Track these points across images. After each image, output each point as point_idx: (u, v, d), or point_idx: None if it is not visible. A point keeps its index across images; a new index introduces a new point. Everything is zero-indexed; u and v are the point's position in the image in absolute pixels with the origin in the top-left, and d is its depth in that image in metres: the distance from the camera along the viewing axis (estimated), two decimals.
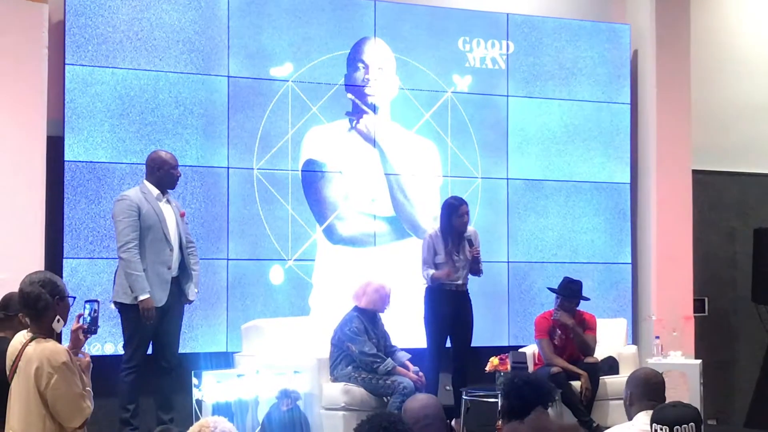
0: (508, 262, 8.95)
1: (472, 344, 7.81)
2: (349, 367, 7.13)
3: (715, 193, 9.96)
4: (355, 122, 8.57)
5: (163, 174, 6.79)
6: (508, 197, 9.02)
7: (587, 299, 7.93)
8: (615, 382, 7.60)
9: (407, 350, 7.53)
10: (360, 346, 7.11)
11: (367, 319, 7.27)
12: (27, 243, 7.11)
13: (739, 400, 9.96)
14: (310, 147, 8.39)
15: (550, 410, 6.84)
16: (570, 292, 7.83)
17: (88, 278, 7.56)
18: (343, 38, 8.55)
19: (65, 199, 7.56)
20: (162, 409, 6.69)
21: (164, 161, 6.82)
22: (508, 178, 9.02)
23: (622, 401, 4.78)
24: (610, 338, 8.23)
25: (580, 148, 9.26)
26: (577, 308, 7.88)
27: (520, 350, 7.80)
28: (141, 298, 6.52)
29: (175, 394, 6.83)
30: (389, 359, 7.13)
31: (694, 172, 9.54)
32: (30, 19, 7.39)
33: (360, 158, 8.56)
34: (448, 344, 7.67)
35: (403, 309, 8.15)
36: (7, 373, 4.50)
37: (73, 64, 7.64)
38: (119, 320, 6.81)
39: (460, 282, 7.61)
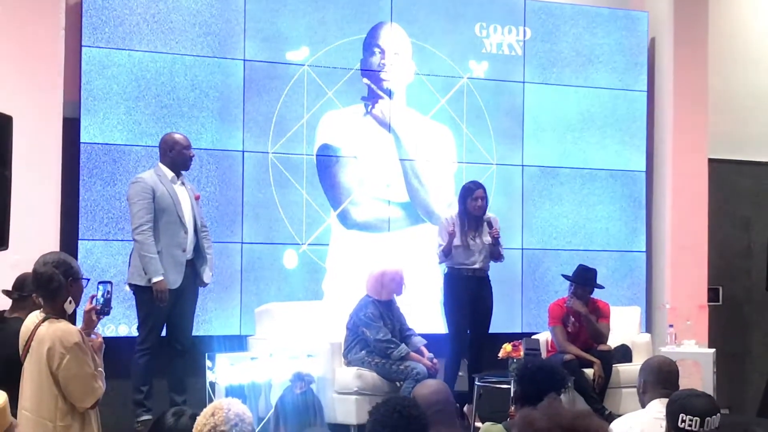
0: (522, 249, 8.94)
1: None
2: (363, 352, 7.15)
3: (731, 182, 9.92)
4: (370, 107, 8.55)
5: (175, 155, 6.80)
6: (523, 184, 8.99)
7: (601, 287, 7.92)
8: (628, 370, 7.59)
9: (423, 336, 7.53)
10: (374, 332, 7.12)
11: (382, 305, 7.27)
12: (43, 224, 7.14)
13: (752, 389, 9.93)
14: (325, 131, 8.38)
15: (563, 396, 6.85)
16: (584, 279, 7.82)
17: (103, 260, 7.58)
18: (359, 23, 8.53)
19: (81, 181, 7.57)
20: (175, 391, 6.72)
21: (176, 142, 6.83)
22: (523, 165, 8.99)
23: (634, 389, 4.77)
24: (624, 326, 8.22)
25: (596, 136, 9.23)
26: (591, 296, 7.87)
27: (533, 337, 7.79)
28: (155, 280, 6.54)
29: (188, 376, 6.85)
30: (403, 345, 7.14)
31: (710, 160, 9.50)
32: (47, 0, 7.40)
33: (375, 143, 8.55)
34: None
35: (418, 295, 8.15)
36: (20, 353, 4.52)
37: (89, 46, 7.64)
38: (134, 302, 6.83)
39: (477, 266, 7.60)
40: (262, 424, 5.64)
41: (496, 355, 7.45)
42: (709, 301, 9.41)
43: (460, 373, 7.75)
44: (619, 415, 5.01)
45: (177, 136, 6.89)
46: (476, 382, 7.37)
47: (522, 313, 8.89)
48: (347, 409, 7.04)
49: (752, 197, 10.04)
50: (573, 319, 7.81)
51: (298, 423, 4.20)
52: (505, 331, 8.37)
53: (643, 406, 4.54)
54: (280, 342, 7.11)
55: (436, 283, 7.79)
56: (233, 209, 8.05)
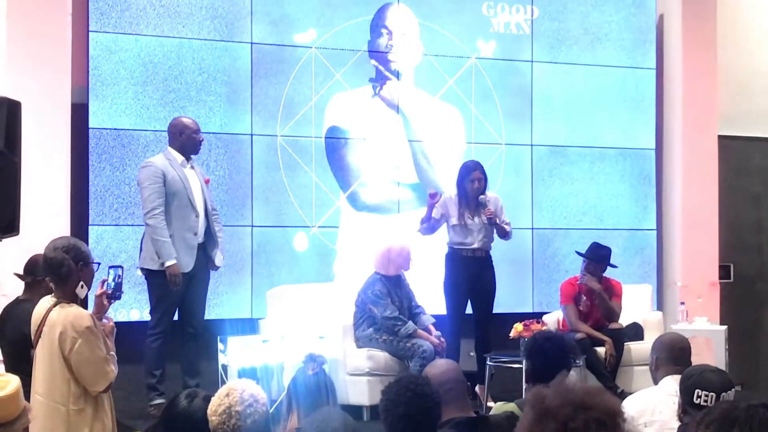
0: (532, 228, 8.93)
1: (496, 311, 7.81)
2: (371, 329, 7.18)
3: (741, 159, 9.88)
4: (378, 88, 8.54)
5: (185, 139, 6.80)
6: (533, 164, 8.98)
7: (614, 266, 7.91)
8: (639, 348, 7.59)
9: (436, 317, 7.53)
10: (382, 309, 7.14)
11: (390, 282, 7.29)
12: (53, 210, 7.15)
13: (764, 366, 9.92)
14: (333, 114, 8.37)
15: (574, 374, 6.86)
16: (598, 256, 7.81)
17: (114, 245, 7.60)
18: (366, 4, 8.50)
19: (90, 166, 7.58)
20: (188, 374, 6.73)
21: (185, 126, 6.83)
22: (532, 145, 8.97)
23: (646, 367, 4.77)
24: (635, 304, 8.21)
25: (605, 114, 9.20)
26: (603, 275, 7.86)
27: (544, 317, 7.80)
28: (168, 263, 6.55)
29: (201, 359, 6.87)
30: (410, 322, 7.16)
31: (720, 137, 9.46)
32: None
33: (383, 125, 8.54)
34: (469, 310, 7.65)
35: (426, 275, 8.15)
36: (32, 337, 4.54)
37: (96, 31, 7.64)
38: (145, 286, 6.84)
39: (475, 246, 7.52)
40: (275, 406, 5.66)
41: (506, 334, 7.45)
42: (720, 278, 9.39)
43: (471, 354, 7.74)
44: (631, 393, 5.00)
45: (186, 120, 6.89)
46: (488, 362, 7.37)
47: (533, 292, 8.89)
48: (359, 391, 7.06)
49: (763, 174, 10.00)
50: (585, 297, 7.81)
51: (310, 404, 4.20)
52: (516, 311, 8.37)
53: (656, 383, 4.53)
54: (291, 324, 7.13)
55: (439, 263, 7.77)
56: (243, 192, 8.06)
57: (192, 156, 6.87)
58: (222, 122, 8.00)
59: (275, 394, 6.10)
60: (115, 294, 4.58)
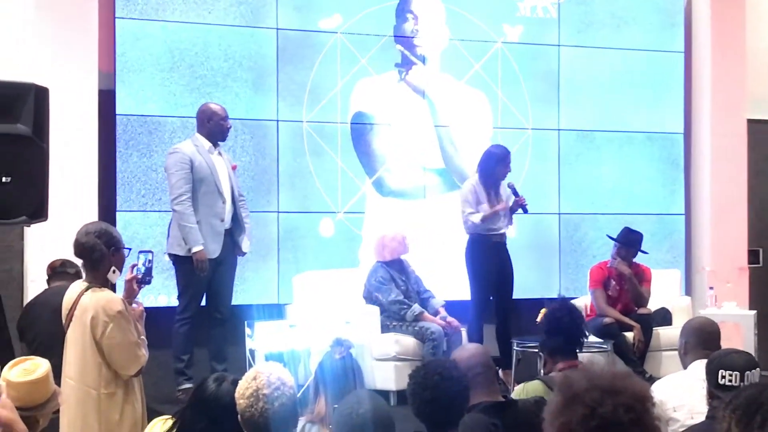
0: (559, 213, 8.89)
1: (523, 296, 7.81)
2: (381, 317, 7.23)
3: None
4: (404, 74, 8.51)
5: (213, 125, 6.82)
6: (560, 148, 8.93)
7: (645, 252, 7.88)
8: (668, 333, 7.56)
9: (456, 303, 7.54)
10: (386, 294, 7.21)
11: (392, 268, 7.36)
12: (81, 196, 7.19)
13: None
14: (359, 99, 8.36)
15: (602, 358, 6.84)
16: (629, 240, 7.79)
17: (141, 231, 7.63)
18: None
19: (117, 153, 7.61)
20: (216, 359, 6.77)
21: (214, 113, 6.84)
22: (559, 129, 8.93)
23: (674, 352, 4.75)
24: (664, 289, 8.18)
25: (633, 98, 9.14)
26: (633, 260, 7.84)
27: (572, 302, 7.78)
28: (195, 249, 6.57)
29: (228, 344, 6.90)
30: (415, 305, 7.21)
31: (749, 121, 9.38)
32: None
33: (409, 110, 8.52)
34: None
35: (452, 261, 8.14)
36: (63, 322, 4.57)
37: (123, 18, 7.65)
38: (173, 272, 6.88)
39: (502, 231, 7.52)
40: (302, 391, 5.68)
41: (529, 320, 7.43)
42: (749, 262, 9.33)
43: (494, 339, 7.73)
44: (660, 378, 4.98)
45: (215, 107, 6.90)
46: (515, 347, 7.36)
47: (560, 278, 8.86)
48: (386, 375, 7.08)
49: None
50: (614, 282, 7.79)
51: (337, 388, 4.21)
52: (542, 296, 8.33)
53: (685, 367, 4.51)
54: (318, 310, 7.14)
55: (462, 248, 7.74)
56: (269, 178, 8.06)
57: (219, 142, 6.89)
58: (248, 108, 8.00)
59: (302, 379, 6.12)
60: (145, 279, 4.60)
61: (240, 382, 3.33)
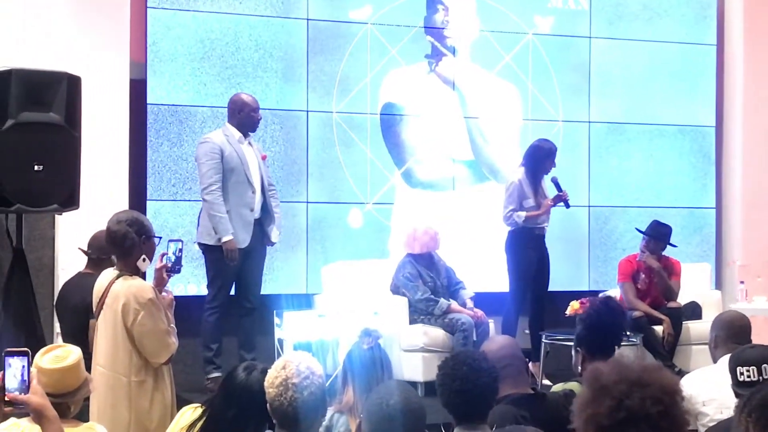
0: (588, 206, 8.85)
1: (552, 288, 7.79)
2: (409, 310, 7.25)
3: None
4: (434, 65, 8.50)
5: (244, 116, 6.84)
6: (590, 141, 8.90)
7: (674, 245, 7.85)
8: (698, 327, 7.52)
9: (484, 294, 7.54)
10: (413, 292, 7.20)
11: (421, 263, 7.33)
12: (112, 185, 7.22)
13: None
14: (388, 90, 8.35)
15: (631, 351, 6.81)
16: (658, 234, 7.75)
17: (171, 220, 7.67)
18: None
19: (148, 142, 7.65)
20: (244, 348, 6.79)
21: (245, 103, 6.86)
22: (589, 122, 8.89)
23: (704, 346, 4.74)
24: (694, 283, 8.14)
25: (664, 91, 9.08)
26: (663, 253, 7.80)
27: (600, 295, 7.74)
28: (224, 239, 6.60)
29: (257, 334, 6.92)
30: (442, 299, 7.20)
31: None
32: None
33: (439, 101, 8.50)
34: None
35: (482, 253, 8.14)
36: (94, 309, 4.61)
37: (155, 8, 7.68)
38: (203, 261, 6.91)
39: (545, 225, 7.58)
40: (330, 381, 5.70)
41: (559, 312, 7.43)
42: None
43: (525, 331, 7.73)
44: (689, 372, 4.96)
45: (246, 98, 6.91)
46: (543, 339, 7.35)
47: (589, 270, 8.83)
48: (414, 367, 7.08)
49: None
50: (643, 275, 7.76)
51: (366, 378, 4.22)
52: (572, 288, 8.32)
53: (715, 361, 4.49)
54: (347, 300, 7.16)
55: (499, 241, 7.75)
56: (298, 169, 8.08)
57: (249, 133, 6.91)
58: (278, 98, 8.02)
59: (331, 369, 6.14)
60: (175, 267, 4.63)
61: (269, 371, 3.34)
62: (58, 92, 5.42)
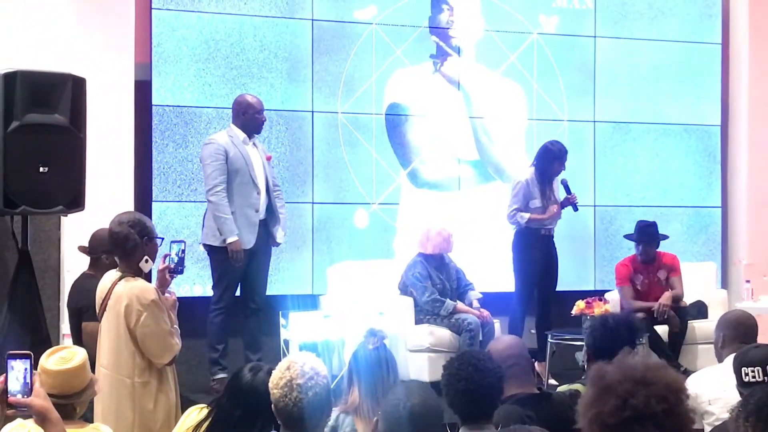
0: (594, 205, 8.84)
1: (557, 288, 7.79)
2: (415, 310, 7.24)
3: None
4: (439, 65, 8.49)
5: (248, 118, 6.84)
6: (595, 140, 8.88)
7: (666, 237, 7.82)
8: (703, 327, 7.50)
9: (490, 294, 7.53)
10: (421, 293, 7.19)
11: (432, 264, 7.31)
12: (117, 187, 7.23)
13: None
14: (393, 90, 8.35)
15: (638, 349, 6.78)
16: (648, 236, 7.71)
17: (177, 221, 7.67)
18: None
19: (153, 143, 7.65)
20: (250, 349, 6.79)
21: (250, 105, 6.86)
22: (594, 121, 8.88)
23: (710, 345, 4.72)
24: (700, 282, 8.12)
25: (669, 90, 9.07)
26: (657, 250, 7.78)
27: (606, 295, 7.74)
28: (229, 240, 6.60)
29: (262, 334, 6.92)
30: (448, 300, 7.18)
31: None
32: None
33: (444, 101, 8.50)
34: None
35: (488, 252, 8.13)
36: (97, 311, 4.61)
37: (159, 9, 7.69)
38: (208, 262, 6.92)
39: (551, 227, 7.60)
40: (335, 382, 5.70)
41: (567, 312, 7.42)
42: None
43: (532, 331, 7.73)
44: (695, 372, 4.95)
45: (251, 99, 6.91)
46: (549, 339, 7.34)
47: (594, 270, 8.82)
48: (420, 367, 7.07)
49: None
50: (642, 276, 7.74)
51: (371, 378, 4.22)
52: (577, 288, 8.31)
53: (720, 360, 4.48)
54: (352, 300, 7.15)
55: (505, 241, 7.75)
56: (303, 169, 8.08)
57: (254, 134, 6.92)
58: (283, 99, 8.02)
59: (336, 370, 6.14)
60: (178, 268, 4.62)
61: (274, 371, 3.34)
62: (63, 94, 5.41)
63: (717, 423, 4.16)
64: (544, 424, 3.67)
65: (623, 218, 8.88)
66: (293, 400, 3.24)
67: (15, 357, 2.98)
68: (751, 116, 9.17)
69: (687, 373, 7.11)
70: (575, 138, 8.78)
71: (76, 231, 6.32)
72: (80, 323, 5.29)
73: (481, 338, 7.05)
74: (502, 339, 4.39)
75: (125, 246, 4.50)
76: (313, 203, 8.10)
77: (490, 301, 7.53)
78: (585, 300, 7.30)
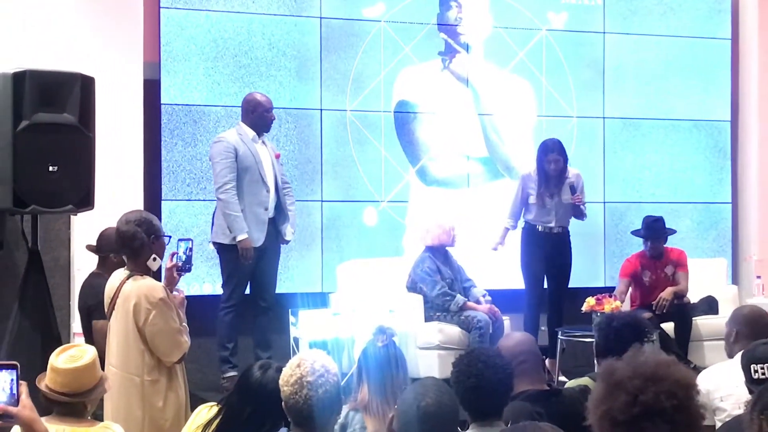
0: (604, 202, 8.82)
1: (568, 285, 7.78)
2: (424, 307, 7.23)
3: None
4: (447, 62, 8.48)
5: (257, 116, 6.84)
6: (605, 136, 8.87)
7: (673, 231, 7.81)
8: (711, 323, 7.48)
9: (498, 292, 7.53)
10: (431, 287, 7.17)
11: (439, 258, 7.31)
12: (126, 186, 7.24)
13: None
14: (402, 88, 8.34)
15: (647, 346, 6.76)
16: (655, 232, 7.68)
17: (186, 220, 7.68)
18: None
19: (162, 142, 7.66)
20: (260, 347, 6.80)
21: (259, 103, 6.86)
22: (604, 117, 8.86)
23: (717, 342, 4.70)
24: (710, 278, 8.09)
25: (679, 86, 9.04)
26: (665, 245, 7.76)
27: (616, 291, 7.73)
28: (239, 238, 6.60)
29: (272, 332, 6.92)
30: (458, 295, 7.17)
31: None
32: None
33: (453, 98, 8.49)
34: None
35: (499, 250, 8.11)
36: (106, 310, 4.61)
37: (168, 8, 7.70)
38: (218, 261, 6.92)
39: (552, 225, 7.55)
40: (345, 379, 5.70)
41: (578, 309, 7.41)
42: None
43: (542, 328, 7.72)
44: (705, 368, 4.93)
45: (260, 98, 6.91)
46: (559, 336, 7.33)
47: (605, 267, 8.80)
48: (429, 364, 7.06)
49: None
50: (649, 272, 7.72)
51: (380, 376, 4.22)
52: (587, 285, 8.30)
53: (731, 355, 4.46)
54: (362, 298, 7.15)
55: (514, 238, 7.74)
56: (312, 167, 8.08)
57: (263, 132, 6.92)
58: (291, 97, 8.02)
59: (346, 368, 6.14)
60: (185, 267, 4.63)
61: (284, 369, 3.34)
62: (72, 93, 5.42)
63: (728, 419, 4.14)
64: (554, 420, 3.66)
65: (633, 215, 8.85)
66: (303, 398, 3.24)
67: (0, 368, 2.92)
68: (761, 112, 9.15)
69: (697, 369, 7.12)
70: (584, 135, 8.77)
71: (85, 230, 6.33)
72: (89, 323, 5.30)
73: (490, 333, 7.05)
74: (512, 335, 4.38)
75: (132, 245, 4.51)
76: (322, 201, 8.10)
77: (499, 298, 7.51)
78: (595, 297, 7.28)
